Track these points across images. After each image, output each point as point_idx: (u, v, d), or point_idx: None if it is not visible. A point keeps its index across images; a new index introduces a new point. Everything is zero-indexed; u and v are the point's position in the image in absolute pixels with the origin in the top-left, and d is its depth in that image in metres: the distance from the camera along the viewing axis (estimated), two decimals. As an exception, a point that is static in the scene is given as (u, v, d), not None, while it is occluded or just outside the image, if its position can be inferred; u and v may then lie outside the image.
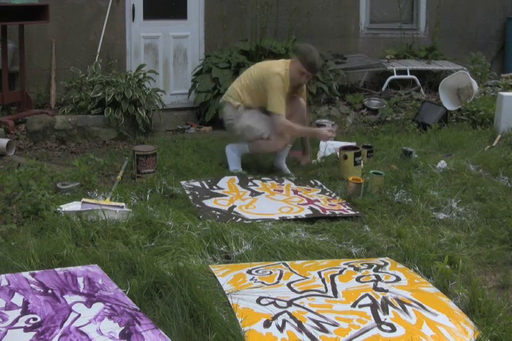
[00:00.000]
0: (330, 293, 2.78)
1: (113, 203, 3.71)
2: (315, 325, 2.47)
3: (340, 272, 3.00)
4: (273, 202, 4.06)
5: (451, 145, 5.29)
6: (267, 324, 2.46)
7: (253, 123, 4.52)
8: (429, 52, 7.70)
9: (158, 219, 3.49)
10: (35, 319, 2.45)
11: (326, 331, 2.43)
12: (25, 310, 2.53)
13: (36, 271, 2.87)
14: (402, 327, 2.48)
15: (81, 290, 2.72)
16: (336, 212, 3.83)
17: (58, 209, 3.56)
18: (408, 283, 2.89)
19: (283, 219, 3.72)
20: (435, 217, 3.79)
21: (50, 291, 2.69)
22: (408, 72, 7.24)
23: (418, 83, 7.24)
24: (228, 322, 2.43)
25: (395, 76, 7.17)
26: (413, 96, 6.94)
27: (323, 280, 2.90)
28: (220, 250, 3.24)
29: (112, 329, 2.38)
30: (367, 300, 2.69)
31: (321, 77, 6.34)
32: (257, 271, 2.99)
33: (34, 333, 2.35)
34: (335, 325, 2.48)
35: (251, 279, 2.89)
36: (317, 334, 2.41)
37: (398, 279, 2.93)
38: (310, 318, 2.52)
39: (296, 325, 2.46)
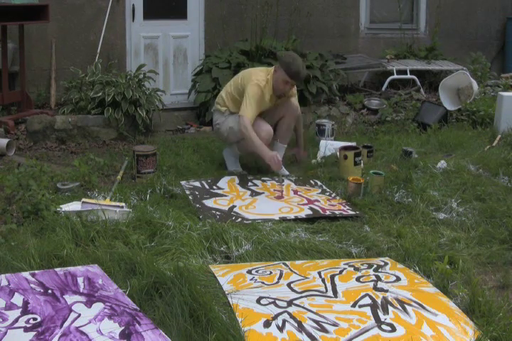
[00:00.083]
0: (330, 293, 2.78)
1: (113, 203, 3.71)
2: (315, 325, 2.48)
3: (340, 272, 3.00)
4: (273, 202, 4.06)
5: (451, 145, 5.29)
6: (267, 324, 2.46)
7: (235, 125, 4.49)
8: (429, 52, 7.70)
9: (158, 219, 3.49)
10: (35, 319, 2.45)
11: (326, 331, 2.43)
12: (25, 310, 2.53)
13: (36, 271, 2.87)
14: (402, 327, 2.48)
15: (81, 290, 2.72)
16: (336, 212, 3.83)
17: (58, 209, 3.56)
18: (408, 283, 2.89)
19: (283, 219, 3.72)
20: (435, 217, 3.79)
21: (50, 291, 2.69)
22: (408, 72, 7.23)
23: (418, 83, 7.24)
24: (228, 322, 2.43)
25: (395, 76, 7.17)
26: (413, 96, 6.94)
27: (323, 280, 2.90)
28: (220, 250, 3.24)
29: (112, 329, 2.38)
30: (367, 300, 2.69)
31: (321, 77, 6.34)
32: (257, 271, 2.99)
33: (34, 333, 2.35)
34: (335, 325, 2.48)
35: (251, 279, 2.90)
36: (317, 334, 2.41)
37: (398, 279, 2.93)
38: (310, 318, 2.52)
39: (296, 325, 2.46)
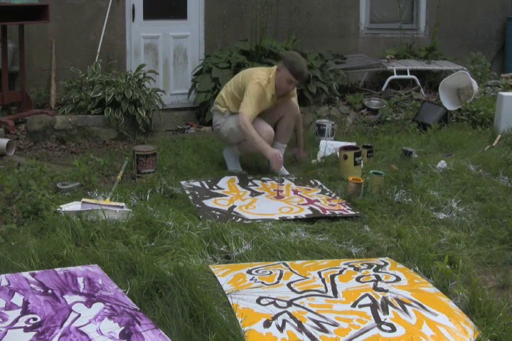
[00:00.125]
0: (330, 293, 2.78)
1: (113, 203, 3.71)
2: (315, 325, 2.48)
3: (340, 272, 3.00)
4: (273, 202, 4.06)
5: (451, 145, 5.29)
6: (267, 324, 2.46)
7: (235, 126, 4.47)
8: (429, 52, 7.70)
9: (158, 219, 3.49)
10: (35, 319, 2.45)
11: (326, 331, 2.43)
12: (25, 310, 2.53)
13: (36, 271, 2.87)
14: (402, 327, 2.48)
15: (81, 290, 2.72)
16: (336, 212, 3.83)
17: (58, 209, 3.56)
18: (408, 283, 2.89)
19: (283, 219, 3.72)
20: (435, 217, 3.79)
21: (50, 291, 2.69)
22: (408, 72, 7.23)
23: (418, 83, 7.24)
24: (228, 322, 2.43)
25: (395, 76, 7.17)
26: (413, 96, 6.94)
27: (323, 280, 2.90)
28: (220, 250, 3.24)
29: (112, 329, 2.38)
30: (367, 300, 2.69)
31: (321, 77, 6.34)
32: (257, 271, 2.99)
33: (34, 333, 2.35)
34: (335, 325, 2.48)
35: (251, 279, 2.90)
36: (317, 334, 2.41)
37: (398, 279, 2.93)
38: (310, 318, 2.52)
39: (296, 325, 2.46)
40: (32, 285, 2.73)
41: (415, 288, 2.84)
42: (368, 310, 2.61)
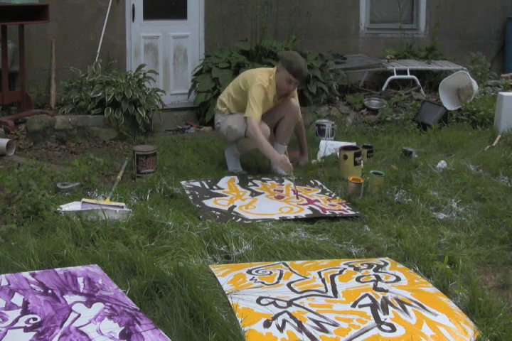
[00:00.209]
0: (330, 293, 2.78)
1: (113, 203, 3.71)
2: (315, 325, 2.48)
3: (340, 272, 3.00)
4: (273, 202, 4.06)
5: (451, 145, 5.29)
6: (267, 324, 2.46)
7: (232, 123, 4.51)
8: (429, 52, 7.70)
9: (158, 219, 3.49)
10: (35, 319, 2.45)
11: (326, 331, 2.43)
12: (25, 310, 2.53)
13: (36, 271, 2.87)
14: (402, 327, 2.48)
15: (81, 290, 2.72)
16: (336, 212, 3.83)
17: (58, 209, 3.56)
18: (408, 283, 2.89)
19: (283, 219, 3.72)
20: (435, 217, 3.79)
21: (50, 291, 2.69)
22: (408, 72, 7.23)
23: (418, 83, 7.24)
24: (228, 322, 2.43)
25: (395, 76, 7.17)
26: (413, 96, 6.94)
27: (323, 280, 2.90)
28: (220, 250, 3.24)
29: (112, 329, 2.38)
30: (367, 300, 2.69)
31: (321, 77, 6.34)
32: (257, 271, 2.99)
33: (34, 333, 2.35)
34: (335, 325, 2.48)
35: (251, 279, 2.90)
36: (317, 334, 2.41)
37: (398, 279, 2.93)
38: (310, 318, 2.52)
39: (296, 325, 2.46)
40: (32, 285, 2.73)
41: (415, 288, 2.84)
42: (368, 310, 2.60)
